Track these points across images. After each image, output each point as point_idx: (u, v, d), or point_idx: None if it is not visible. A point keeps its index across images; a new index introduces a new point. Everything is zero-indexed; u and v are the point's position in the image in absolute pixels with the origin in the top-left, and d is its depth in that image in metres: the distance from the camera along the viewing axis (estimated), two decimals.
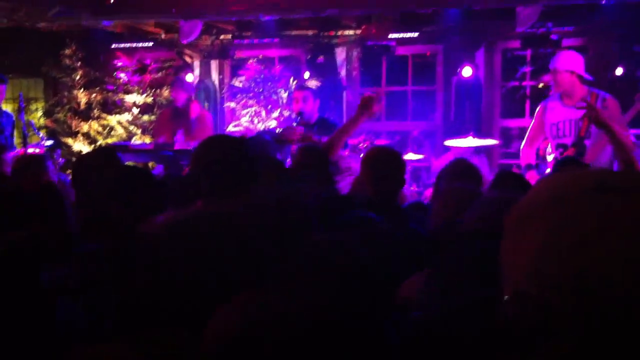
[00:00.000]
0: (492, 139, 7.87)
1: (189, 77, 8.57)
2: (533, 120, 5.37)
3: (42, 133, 7.77)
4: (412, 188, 7.08)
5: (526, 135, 5.38)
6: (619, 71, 6.81)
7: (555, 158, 4.96)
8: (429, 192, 5.94)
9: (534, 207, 0.86)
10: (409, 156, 7.32)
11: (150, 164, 8.39)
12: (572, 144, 4.94)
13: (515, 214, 0.88)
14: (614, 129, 4.10)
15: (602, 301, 0.77)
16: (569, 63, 5.05)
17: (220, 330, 1.39)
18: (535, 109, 7.80)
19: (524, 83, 8.02)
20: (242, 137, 2.79)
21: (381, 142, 7.78)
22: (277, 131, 5.90)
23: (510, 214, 0.89)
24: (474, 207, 2.23)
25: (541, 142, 5.36)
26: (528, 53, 7.79)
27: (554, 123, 5.10)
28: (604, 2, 6.61)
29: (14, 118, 7.26)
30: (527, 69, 7.90)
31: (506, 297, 0.87)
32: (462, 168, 3.59)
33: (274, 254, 1.84)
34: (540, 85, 7.57)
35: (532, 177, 4.91)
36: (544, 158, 5.37)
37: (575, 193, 0.83)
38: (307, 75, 8.01)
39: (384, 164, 3.22)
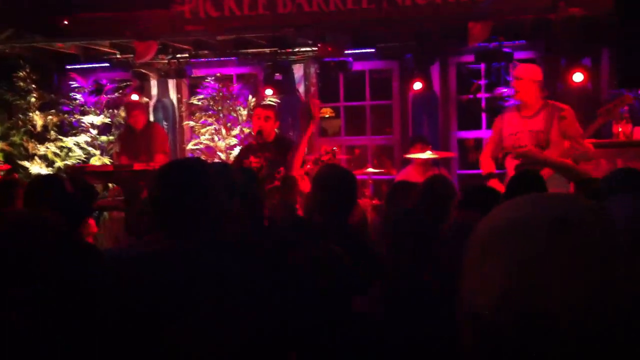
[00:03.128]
0: (450, 151, 7.99)
1: (134, 97, 8.46)
2: (491, 133, 5.56)
3: None
4: (373, 202, 7.14)
5: (485, 146, 5.56)
6: (578, 77, 6.93)
7: (516, 166, 5.06)
8: None
9: (496, 235, 0.87)
10: (369, 170, 7.39)
11: (110, 185, 8.32)
12: None
13: (477, 240, 0.89)
14: (548, 159, 4.41)
15: (558, 332, 0.79)
16: (531, 72, 5.27)
17: None
18: (491, 121, 7.99)
19: (478, 95, 8.17)
20: (202, 164, 2.65)
21: (341, 156, 7.82)
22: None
23: (472, 239, 0.90)
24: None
25: (499, 152, 5.48)
26: (482, 67, 7.93)
27: (512, 133, 5.26)
28: (550, 17, 6.77)
29: None
30: (482, 82, 8.05)
31: (462, 319, 0.88)
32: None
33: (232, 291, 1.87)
34: (496, 94, 7.72)
35: (495, 184, 5.02)
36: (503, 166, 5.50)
37: (537, 226, 0.84)
38: (269, 92, 8.02)
39: (333, 185, 3.23)
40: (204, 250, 2.07)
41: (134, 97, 8.30)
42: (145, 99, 8.60)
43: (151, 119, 9.03)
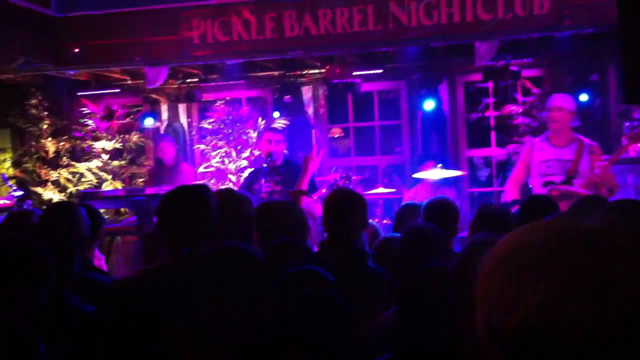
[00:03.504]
0: (460, 169, 8.00)
1: (148, 122, 8.53)
2: (519, 159, 5.61)
3: (11, 183, 7.74)
4: (384, 221, 7.15)
5: (511, 173, 5.63)
6: (583, 97, 6.99)
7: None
8: None
9: (510, 253, 0.88)
10: (379, 190, 7.40)
11: (122, 210, 8.37)
12: (561, 182, 5.19)
13: (492, 259, 0.90)
14: (578, 192, 4.66)
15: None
16: (569, 103, 5.37)
17: None
18: (500, 139, 8.01)
19: (487, 114, 8.19)
20: (205, 190, 2.77)
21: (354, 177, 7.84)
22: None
23: (487, 258, 0.91)
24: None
25: (525, 178, 5.56)
26: (489, 85, 7.96)
27: (543, 161, 5.34)
28: (558, 34, 6.81)
29: None
30: (490, 100, 8.07)
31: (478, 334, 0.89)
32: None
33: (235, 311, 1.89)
34: (505, 112, 7.75)
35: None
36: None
37: (564, 243, 0.85)
38: (277, 114, 8.08)
39: (340, 208, 3.26)
40: (205, 254, 2.13)
41: (149, 121, 8.39)
42: (158, 124, 8.70)
43: None
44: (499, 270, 0.89)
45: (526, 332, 0.83)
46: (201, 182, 7.70)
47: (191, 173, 7.69)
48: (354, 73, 7.85)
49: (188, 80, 8.51)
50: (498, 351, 0.87)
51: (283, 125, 7.95)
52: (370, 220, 4.30)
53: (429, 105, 7.71)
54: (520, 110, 7.70)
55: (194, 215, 2.53)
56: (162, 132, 8.97)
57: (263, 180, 5.91)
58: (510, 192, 5.50)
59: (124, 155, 8.94)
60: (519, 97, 7.81)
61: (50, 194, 8.70)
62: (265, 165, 6.05)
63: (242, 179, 7.97)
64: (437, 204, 3.88)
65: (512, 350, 0.85)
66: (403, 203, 5.11)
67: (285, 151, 6.14)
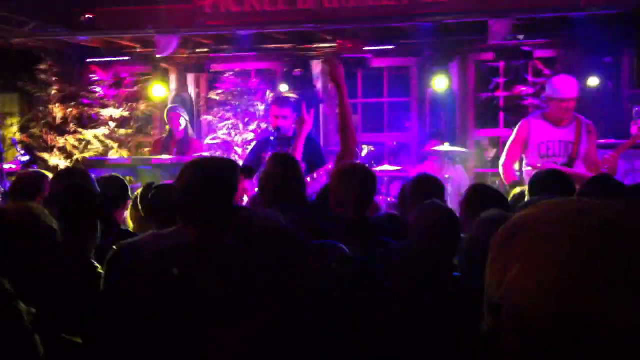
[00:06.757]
0: (467, 148, 7.99)
1: (158, 91, 8.51)
2: (514, 136, 5.34)
3: (20, 147, 7.74)
4: (389, 199, 7.14)
5: (506, 152, 5.35)
6: (593, 82, 6.94)
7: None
8: None
9: (519, 228, 0.90)
10: (385, 167, 7.39)
11: (128, 179, 8.37)
12: (563, 163, 5.04)
13: (502, 234, 0.92)
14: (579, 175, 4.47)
15: (573, 319, 0.80)
16: (577, 90, 5.19)
17: None
18: (509, 120, 7.97)
19: (497, 94, 8.15)
20: (232, 162, 2.71)
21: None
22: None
23: (498, 234, 0.93)
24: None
25: (519, 158, 5.36)
26: (501, 65, 7.91)
27: (542, 142, 5.16)
28: (573, 14, 6.75)
29: None
30: (501, 80, 8.03)
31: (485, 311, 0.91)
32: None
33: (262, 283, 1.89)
34: (515, 93, 7.70)
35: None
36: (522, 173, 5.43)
37: (560, 219, 0.87)
38: (284, 88, 8.05)
39: (353, 180, 3.26)
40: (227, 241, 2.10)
41: (159, 90, 8.37)
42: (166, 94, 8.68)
43: None
44: (493, 244, 0.92)
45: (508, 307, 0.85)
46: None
47: (200, 147, 7.65)
48: (365, 49, 7.81)
49: (198, 50, 8.47)
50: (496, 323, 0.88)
51: (295, 97, 7.91)
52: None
53: (439, 83, 7.67)
54: (531, 92, 7.67)
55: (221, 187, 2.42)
56: (170, 101, 8.94)
57: (270, 152, 5.89)
58: (508, 174, 5.28)
59: (131, 123, 8.93)
60: (530, 78, 7.77)
61: (57, 160, 8.71)
62: (272, 138, 6.03)
63: (248, 151, 7.97)
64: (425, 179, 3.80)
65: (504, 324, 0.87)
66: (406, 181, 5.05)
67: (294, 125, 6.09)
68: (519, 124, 5.40)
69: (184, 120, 7.26)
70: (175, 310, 1.96)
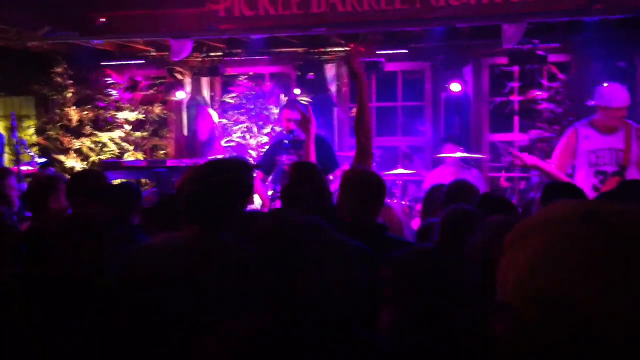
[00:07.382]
0: (481, 153, 7.95)
1: (180, 95, 8.65)
2: (562, 145, 5.21)
3: (33, 151, 7.83)
4: (403, 203, 7.13)
5: (555, 162, 5.20)
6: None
7: (594, 185, 4.97)
8: (419, 207, 6.00)
9: (527, 228, 0.90)
10: (399, 171, 7.38)
11: (143, 181, 8.43)
12: (614, 172, 4.93)
13: (511, 235, 0.93)
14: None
15: (575, 318, 0.80)
16: (629, 98, 5.05)
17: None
18: (524, 124, 7.92)
19: (511, 98, 8.12)
20: (245, 163, 2.72)
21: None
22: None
23: (508, 235, 0.93)
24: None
25: (569, 167, 5.22)
26: (515, 69, 7.87)
27: (592, 151, 5.03)
28: (587, 18, 6.71)
29: (4, 137, 7.33)
30: (515, 84, 7.99)
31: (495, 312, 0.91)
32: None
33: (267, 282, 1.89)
34: (529, 97, 7.65)
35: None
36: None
37: (564, 219, 0.87)
38: (297, 91, 8.07)
39: (359, 186, 3.24)
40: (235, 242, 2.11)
41: (180, 94, 8.47)
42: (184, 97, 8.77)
43: (184, 116, 9.16)
44: (505, 246, 0.93)
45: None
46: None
47: (221, 151, 7.71)
48: (378, 52, 7.81)
49: (212, 54, 8.52)
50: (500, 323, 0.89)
51: (305, 103, 7.93)
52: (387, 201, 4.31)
53: (454, 87, 7.66)
54: (546, 96, 7.63)
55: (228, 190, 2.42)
56: (185, 105, 9.02)
57: (285, 155, 5.92)
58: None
59: (147, 126, 8.99)
60: (545, 83, 7.73)
61: (73, 162, 8.79)
62: (286, 141, 6.05)
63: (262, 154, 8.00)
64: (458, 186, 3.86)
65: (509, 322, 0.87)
66: (431, 186, 5.02)
67: None
68: (566, 133, 5.27)
69: (209, 123, 7.37)
70: (175, 310, 1.98)
